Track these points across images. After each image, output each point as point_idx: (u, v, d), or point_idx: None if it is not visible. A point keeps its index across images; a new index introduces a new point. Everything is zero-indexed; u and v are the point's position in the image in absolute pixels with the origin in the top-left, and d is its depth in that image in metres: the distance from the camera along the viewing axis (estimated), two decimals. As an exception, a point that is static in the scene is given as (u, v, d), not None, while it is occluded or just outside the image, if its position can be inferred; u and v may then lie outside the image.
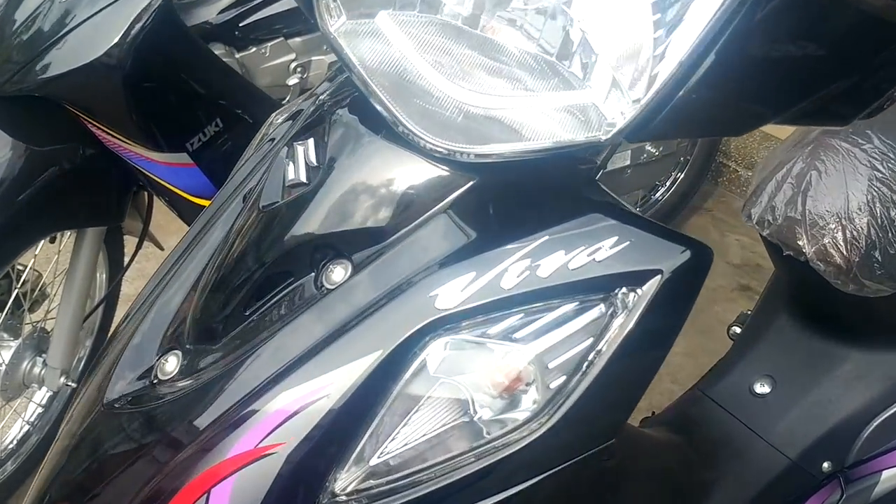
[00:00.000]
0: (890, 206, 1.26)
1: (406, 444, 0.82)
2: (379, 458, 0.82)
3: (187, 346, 0.92)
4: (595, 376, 0.79)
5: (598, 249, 0.79)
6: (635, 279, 0.78)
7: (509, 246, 0.80)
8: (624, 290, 0.79)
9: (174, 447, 0.84)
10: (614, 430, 0.84)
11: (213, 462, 0.81)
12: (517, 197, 0.84)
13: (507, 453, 0.80)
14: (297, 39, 2.25)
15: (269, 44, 2.20)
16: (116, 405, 0.91)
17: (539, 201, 0.84)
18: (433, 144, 0.78)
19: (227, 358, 0.88)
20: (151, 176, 1.95)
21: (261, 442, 0.81)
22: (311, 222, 0.87)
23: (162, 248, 2.47)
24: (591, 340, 0.79)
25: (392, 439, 0.82)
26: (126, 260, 2.26)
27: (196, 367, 0.89)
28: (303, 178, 0.89)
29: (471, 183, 0.84)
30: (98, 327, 2.31)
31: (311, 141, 0.90)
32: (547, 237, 0.80)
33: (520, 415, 0.80)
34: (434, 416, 0.81)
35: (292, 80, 2.23)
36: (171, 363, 0.91)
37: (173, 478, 0.82)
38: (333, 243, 0.87)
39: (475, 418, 0.80)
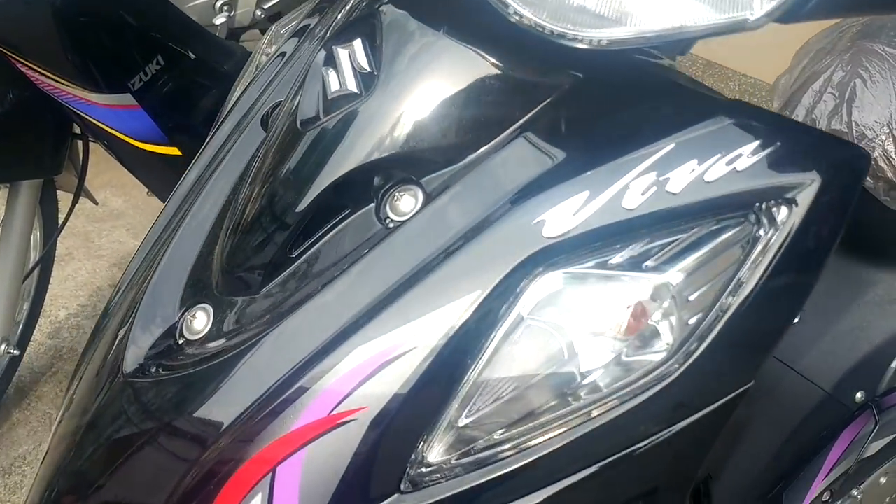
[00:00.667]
0: (940, 113, 1.18)
1: (501, 400, 0.68)
2: (468, 417, 0.69)
3: (217, 298, 0.76)
4: (739, 306, 0.66)
5: (738, 157, 0.66)
6: (785, 190, 0.66)
7: (627, 157, 0.67)
8: (771, 203, 0.66)
9: (222, 420, 0.69)
10: (755, 370, 0.72)
11: (275, 436, 0.67)
12: (621, 100, 0.71)
13: (629, 406, 0.67)
14: (222, -24, 2.08)
15: (193, -18, 2.03)
16: (139, 374, 0.75)
17: (651, 103, 0.70)
18: (549, 26, 0.63)
19: (273, 311, 0.72)
20: (91, 120, 1.75)
21: (335, 408, 0.66)
22: (367, 141, 0.72)
23: (96, 203, 2.27)
24: (735, 266, 0.67)
25: (482, 394, 0.68)
26: (61, 217, 2.05)
27: (233, 323, 0.74)
28: (352, 88, 0.74)
29: (565, 87, 0.70)
30: (35, 290, 2.10)
31: (357, 43, 0.75)
32: (673, 144, 0.66)
33: (653, 357, 0.67)
34: (538, 365, 0.68)
35: (219, 20, 2.07)
36: (201, 320, 0.75)
37: (227, 456, 0.68)
38: (397, 166, 0.72)
39: (593, 366, 0.67)
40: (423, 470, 0.68)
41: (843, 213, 0.68)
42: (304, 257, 0.74)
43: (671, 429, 0.69)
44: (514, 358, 0.68)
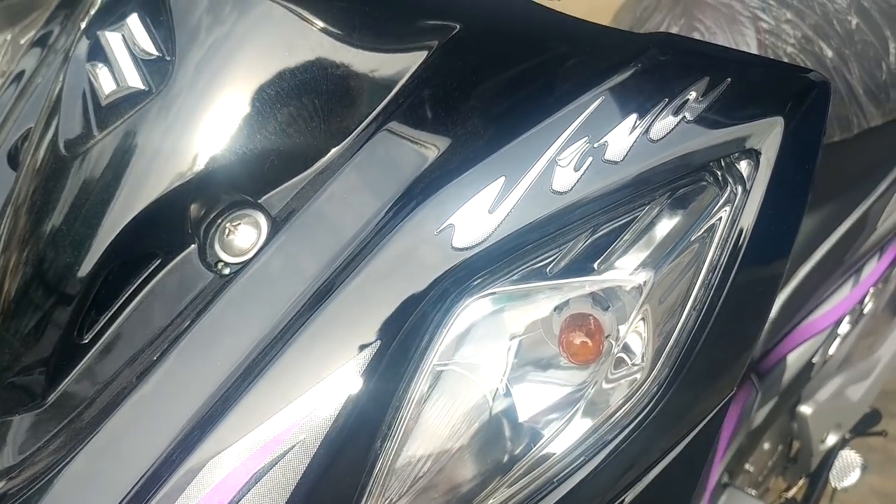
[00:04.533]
0: (782, 56, 1.10)
1: (419, 484, 0.49)
2: None
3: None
4: (716, 293, 0.50)
5: (685, 103, 0.49)
6: (746, 139, 0.50)
7: (545, 123, 0.48)
8: (733, 157, 0.50)
9: None
10: (741, 370, 0.56)
11: None
12: (518, 52, 0.53)
13: (604, 455, 0.50)
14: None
15: None
16: None
17: (558, 50, 0.52)
18: None
19: (72, 425, 0.49)
20: None
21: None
22: (171, 156, 0.50)
23: None
24: (703, 244, 0.50)
25: (396, 482, 0.49)
26: None
27: (14, 454, 0.50)
28: (136, 83, 0.51)
29: (438, 45, 0.51)
30: None
31: (133, 19, 0.53)
32: (602, 98, 0.49)
33: (620, 384, 0.49)
34: (465, 426, 0.49)
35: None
36: (-36, 462, 0.51)
37: None
38: (223, 186, 0.50)
39: (542, 416, 0.49)
40: None
41: (814, 157, 0.53)
42: (101, 340, 0.50)
43: (655, 468, 0.52)
44: (434, 424, 0.48)
